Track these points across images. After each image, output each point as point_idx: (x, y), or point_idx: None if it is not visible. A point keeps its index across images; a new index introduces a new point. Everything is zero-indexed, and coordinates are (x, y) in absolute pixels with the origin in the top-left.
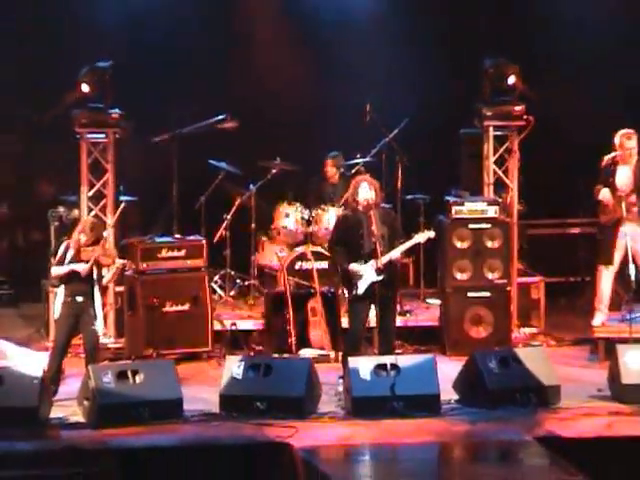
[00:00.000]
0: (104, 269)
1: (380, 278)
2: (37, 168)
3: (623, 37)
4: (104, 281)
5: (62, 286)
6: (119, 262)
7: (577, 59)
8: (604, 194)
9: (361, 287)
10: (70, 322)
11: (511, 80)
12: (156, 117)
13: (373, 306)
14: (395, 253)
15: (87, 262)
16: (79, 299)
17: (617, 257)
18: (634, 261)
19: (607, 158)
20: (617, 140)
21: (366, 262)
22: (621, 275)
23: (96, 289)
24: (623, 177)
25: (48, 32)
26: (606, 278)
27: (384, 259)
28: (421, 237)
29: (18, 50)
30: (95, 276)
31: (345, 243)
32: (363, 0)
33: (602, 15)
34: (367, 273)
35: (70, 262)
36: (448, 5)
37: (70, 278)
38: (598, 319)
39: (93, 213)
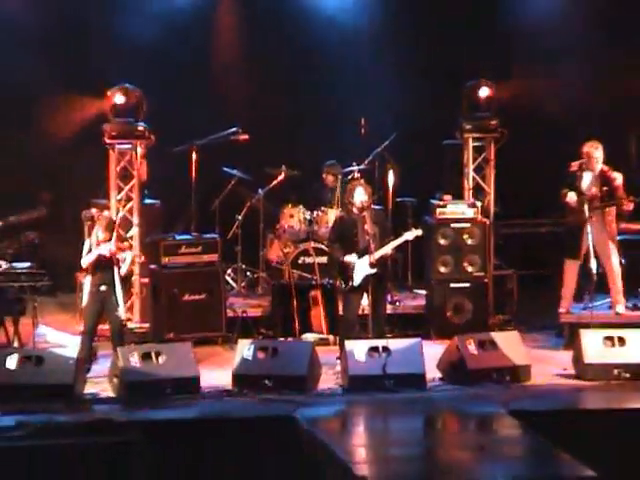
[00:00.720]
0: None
1: (373, 271)
2: (70, 173)
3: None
4: (121, 271)
5: (88, 277)
6: (129, 253)
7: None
8: (571, 197)
9: (357, 279)
10: (96, 308)
11: (484, 92)
12: (176, 129)
13: (366, 296)
14: (386, 249)
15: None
16: (103, 288)
17: (582, 252)
18: (596, 256)
19: (574, 164)
20: (585, 149)
21: (361, 257)
22: (583, 268)
23: (117, 279)
24: (588, 182)
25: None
26: (572, 271)
27: (377, 254)
28: (410, 235)
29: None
30: (115, 268)
31: (342, 241)
32: (363, 26)
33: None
34: (362, 267)
35: None
36: (436, 32)
37: (96, 268)
38: (564, 307)
39: (121, 214)
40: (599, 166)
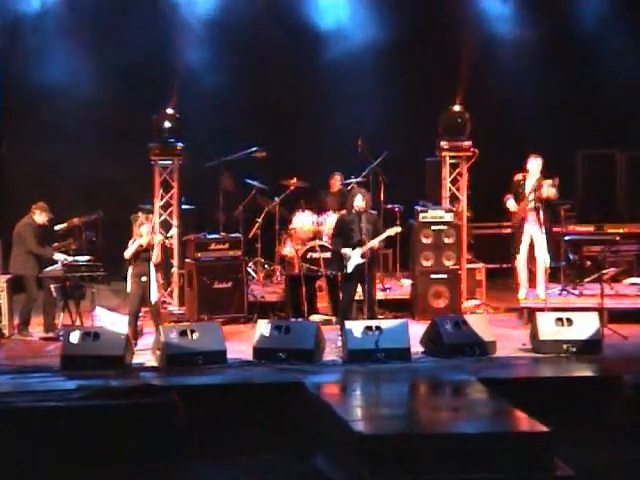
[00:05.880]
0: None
1: (363, 261)
2: (122, 183)
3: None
4: (154, 259)
5: (131, 269)
6: (158, 238)
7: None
8: (510, 204)
9: (350, 267)
10: (139, 294)
11: (457, 108)
12: (207, 148)
13: (360, 284)
14: (374, 242)
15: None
16: (143, 279)
17: (524, 248)
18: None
19: (518, 175)
20: (527, 163)
21: (354, 249)
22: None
23: (152, 271)
24: (529, 189)
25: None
26: (519, 263)
27: (367, 246)
28: (392, 231)
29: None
30: (151, 262)
31: (342, 234)
32: (361, 57)
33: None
34: (354, 257)
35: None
36: (421, 65)
37: (136, 261)
38: (522, 293)
39: (163, 217)
40: (537, 176)
